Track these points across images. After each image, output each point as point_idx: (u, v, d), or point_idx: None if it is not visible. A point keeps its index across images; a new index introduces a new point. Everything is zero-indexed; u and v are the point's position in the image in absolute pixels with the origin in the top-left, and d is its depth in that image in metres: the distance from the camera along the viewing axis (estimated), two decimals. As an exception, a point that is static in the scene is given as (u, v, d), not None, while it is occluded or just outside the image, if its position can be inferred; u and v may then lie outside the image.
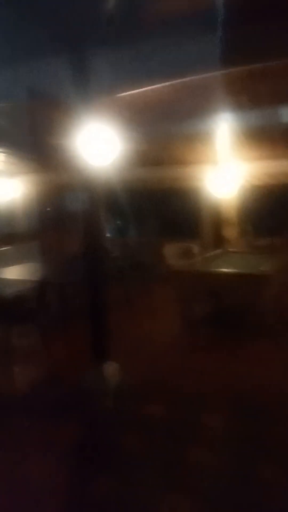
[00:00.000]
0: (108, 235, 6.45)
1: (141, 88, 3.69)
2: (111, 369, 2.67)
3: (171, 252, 5.48)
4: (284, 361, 2.86)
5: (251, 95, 3.44)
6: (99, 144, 2.82)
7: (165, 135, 4.65)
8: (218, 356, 3.04)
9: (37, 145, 4.32)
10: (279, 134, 4.71)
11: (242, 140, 4.87)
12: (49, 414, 2.33)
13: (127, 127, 4.07)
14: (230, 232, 6.23)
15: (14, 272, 4.41)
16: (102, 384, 2.59)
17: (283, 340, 3.15)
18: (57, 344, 3.33)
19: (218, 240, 6.13)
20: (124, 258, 5.23)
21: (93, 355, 2.71)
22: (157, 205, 6.68)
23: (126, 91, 3.75)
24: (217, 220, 6.28)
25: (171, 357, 3.09)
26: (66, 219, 6.07)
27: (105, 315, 2.83)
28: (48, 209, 6.79)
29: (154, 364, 2.96)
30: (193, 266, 4.27)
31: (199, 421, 2.24)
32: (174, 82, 3.67)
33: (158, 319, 3.95)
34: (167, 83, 3.60)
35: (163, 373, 2.79)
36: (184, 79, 3.65)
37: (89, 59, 3.13)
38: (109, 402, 2.46)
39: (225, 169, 5.78)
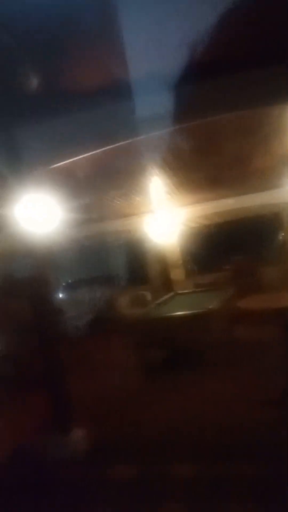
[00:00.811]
0: (60, 295, 6.46)
1: (75, 156, 3.97)
2: (75, 434, 2.64)
3: (126, 302, 5.60)
4: (242, 393, 3.00)
5: (175, 153, 3.82)
6: (40, 211, 2.97)
7: (104, 194, 4.95)
8: (183, 400, 3.11)
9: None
10: (203, 181, 5.22)
11: (174, 189, 5.32)
12: (10, 488, 2.25)
13: (67, 192, 4.31)
14: (177, 275, 6.53)
15: None
16: (67, 451, 2.54)
17: (235, 372, 3.33)
18: (16, 415, 3.23)
19: (168, 284, 6.39)
20: (79, 316, 5.26)
21: (54, 422, 2.67)
22: (105, 259, 6.86)
23: (60, 161, 4.01)
24: (164, 265, 6.58)
25: (136, 410, 3.11)
26: (14, 287, 6.02)
27: (64, 378, 2.83)
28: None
29: (118, 420, 2.96)
30: (149, 313, 4.42)
31: (171, 473, 2.27)
32: (105, 148, 4.00)
33: (119, 373, 3.98)
34: (99, 150, 3.90)
35: (128, 428, 2.80)
36: (114, 145, 3.99)
37: (18, 133, 3.35)
38: (76, 469, 2.42)
39: (163, 217, 6.18)
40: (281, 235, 6.31)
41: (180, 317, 3.95)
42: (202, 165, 4.37)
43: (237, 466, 2.17)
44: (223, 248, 6.59)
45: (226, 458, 2.27)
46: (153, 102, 3.23)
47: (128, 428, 2.75)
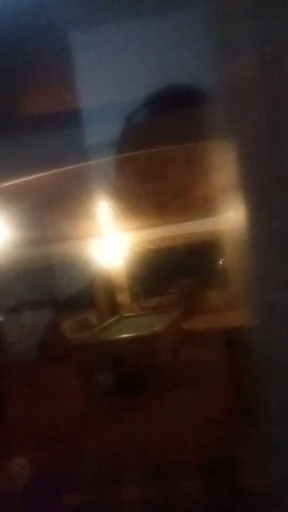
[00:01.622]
0: (1, 319, 6.20)
1: (23, 177, 3.95)
2: (20, 465, 2.54)
3: (70, 326, 5.52)
4: (189, 413, 3.08)
5: (122, 180, 3.95)
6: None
7: (50, 217, 4.93)
8: (132, 422, 3.12)
9: None
10: (149, 207, 5.42)
11: (120, 214, 5.45)
12: None
13: (12, 212, 4.24)
14: (123, 298, 6.58)
15: None
16: (12, 484, 2.44)
17: (182, 393, 3.42)
18: None
19: (113, 307, 6.41)
20: (21, 341, 5.07)
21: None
22: (49, 282, 6.73)
23: (6, 182, 3.96)
24: (109, 288, 6.60)
25: (83, 436, 3.06)
26: None
27: (5, 406, 2.72)
28: None
29: (65, 447, 2.90)
30: (94, 337, 4.40)
31: (120, 497, 2.26)
32: (53, 171, 4.03)
33: (64, 399, 3.89)
34: (47, 173, 3.93)
35: (76, 455, 2.75)
36: (62, 169, 4.04)
37: None
38: (19, 500, 2.32)
39: (109, 241, 6.26)
40: (221, 260, 6.67)
41: (126, 340, 3.99)
42: (148, 192, 4.55)
43: (186, 486, 2.22)
44: (167, 272, 6.80)
45: (176, 478, 2.31)
46: (103, 130, 3.33)
47: (76, 455, 2.69)
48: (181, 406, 3.26)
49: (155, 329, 3.98)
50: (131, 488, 2.30)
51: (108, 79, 2.42)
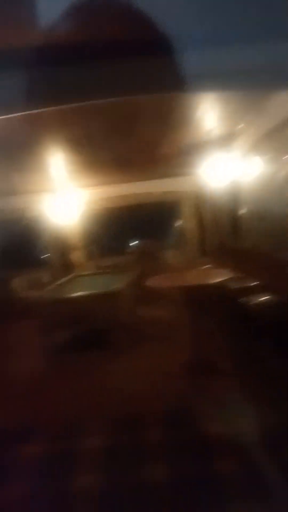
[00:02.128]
0: None
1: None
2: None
3: (22, 284, 5.32)
4: (146, 368, 3.15)
5: (83, 129, 3.72)
6: None
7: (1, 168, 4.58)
8: (88, 377, 3.13)
9: None
10: (109, 163, 5.22)
11: (79, 169, 5.20)
12: None
13: None
14: (78, 257, 6.43)
15: None
16: None
17: (142, 349, 3.49)
18: None
19: (68, 265, 6.25)
20: None
21: None
22: (-1, 238, 6.38)
23: None
24: (64, 246, 6.41)
25: (45, 392, 3.03)
26: None
27: None
28: None
29: (26, 404, 2.85)
30: (47, 295, 4.28)
31: (82, 447, 2.29)
32: (5, 116, 3.69)
33: (22, 357, 3.79)
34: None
35: (37, 410, 2.73)
36: (16, 114, 3.70)
37: None
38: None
39: (65, 196, 6.00)
40: (181, 221, 6.71)
41: (84, 297, 3.93)
42: (110, 146, 4.35)
43: (146, 433, 2.30)
44: (125, 231, 6.73)
45: (135, 427, 2.37)
46: (64, 73, 3.04)
47: (36, 410, 2.66)
48: (141, 361, 3.32)
49: (114, 287, 3.95)
50: (93, 438, 2.34)
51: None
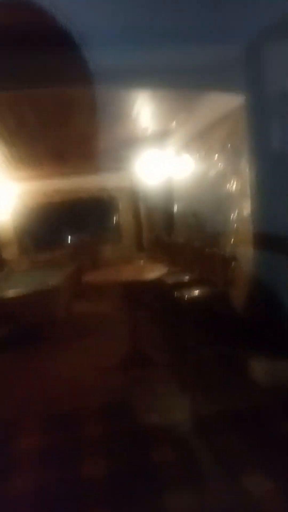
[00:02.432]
0: None
1: None
2: None
3: None
4: (83, 363, 3.15)
5: (17, 119, 3.57)
6: None
7: None
8: (24, 374, 3.05)
9: None
10: (46, 155, 5.08)
11: (11, 162, 4.98)
12: None
13: None
14: (10, 253, 6.18)
15: None
16: None
17: (79, 344, 3.48)
18: None
19: (1, 261, 5.99)
20: None
21: None
22: None
23: None
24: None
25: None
26: None
27: None
28: None
29: None
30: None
31: (20, 446, 2.23)
32: None
33: None
34: None
35: None
36: None
37: None
38: None
39: (-3, 190, 5.73)
40: (115, 216, 6.72)
41: (19, 294, 3.79)
42: (45, 138, 4.23)
43: (87, 430, 2.29)
44: (61, 226, 6.58)
45: (76, 424, 2.36)
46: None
47: None
48: (78, 356, 3.29)
49: (50, 283, 3.86)
50: (31, 437, 2.29)
51: None
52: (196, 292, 3.24)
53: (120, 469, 1.95)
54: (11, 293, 3.81)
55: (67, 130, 4.15)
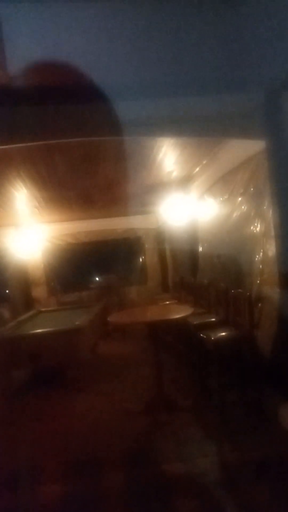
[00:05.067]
0: None
1: None
2: None
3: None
4: (109, 406, 3.11)
5: (49, 166, 3.81)
6: None
7: None
8: (51, 417, 3.03)
9: None
10: (75, 199, 5.33)
11: (42, 205, 5.25)
12: None
13: None
14: (40, 292, 6.35)
15: None
16: None
17: (103, 386, 3.45)
18: None
19: (29, 301, 6.14)
20: None
21: None
22: None
23: None
24: (25, 282, 6.32)
25: (2, 434, 2.89)
26: None
27: None
28: None
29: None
30: (7, 330, 4.17)
31: (43, 494, 2.19)
32: None
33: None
34: None
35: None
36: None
37: None
38: None
39: (27, 232, 5.98)
40: (141, 258, 6.84)
41: (45, 334, 3.84)
42: (75, 183, 4.46)
43: (109, 479, 2.22)
44: (87, 267, 6.74)
45: (98, 472, 2.29)
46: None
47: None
48: (102, 399, 3.25)
49: (77, 323, 3.90)
50: (52, 485, 2.24)
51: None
52: (222, 334, 3.18)
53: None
54: (37, 332, 3.88)
55: (95, 176, 4.38)
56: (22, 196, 4.62)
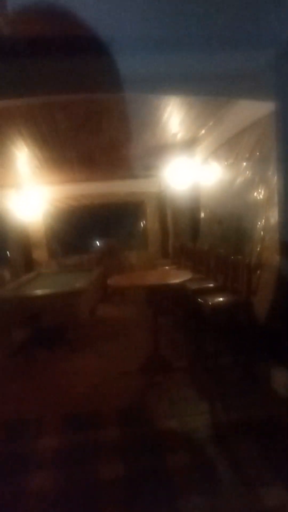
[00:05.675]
0: None
1: None
2: None
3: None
4: (107, 366, 3.19)
5: (49, 125, 3.70)
6: None
7: None
8: (50, 375, 3.12)
9: None
10: (77, 160, 5.21)
11: (42, 165, 5.15)
12: None
13: None
14: (40, 255, 6.36)
15: None
16: None
17: (101, 347, 3.52)
18: None
19: (29, 263, 6.17)
20: None
21: None
22: None
23: None
24: (26, 244, 6.31)
25: (3, 389, 2.99)
26: None
27: None
28: None
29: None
30: (7, 291, 4.21)
31: (38, 446, 2.27)
32: None
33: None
34: None
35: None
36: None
37: None
38: None
39: (29, 193, 5.90)
40: (143, 222, 6.78)
41: (46, 295, 3.88)
42: (77, 143, 4.34)
43: (105, 431, 2.31)
44: (88, 230, 6.71)
45: (94, 425, 2.38)
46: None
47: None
48: (99, 359, 3.33)
49: (77, 285, 3.93)
50: (50, 437, 2.33)
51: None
52: (220, 300, 3.21)
53: (136, 473, 1.96)
54: (37, 293, 3.91)
55: (98, 136, 4.26)
56: (23, 155, 4.52)
